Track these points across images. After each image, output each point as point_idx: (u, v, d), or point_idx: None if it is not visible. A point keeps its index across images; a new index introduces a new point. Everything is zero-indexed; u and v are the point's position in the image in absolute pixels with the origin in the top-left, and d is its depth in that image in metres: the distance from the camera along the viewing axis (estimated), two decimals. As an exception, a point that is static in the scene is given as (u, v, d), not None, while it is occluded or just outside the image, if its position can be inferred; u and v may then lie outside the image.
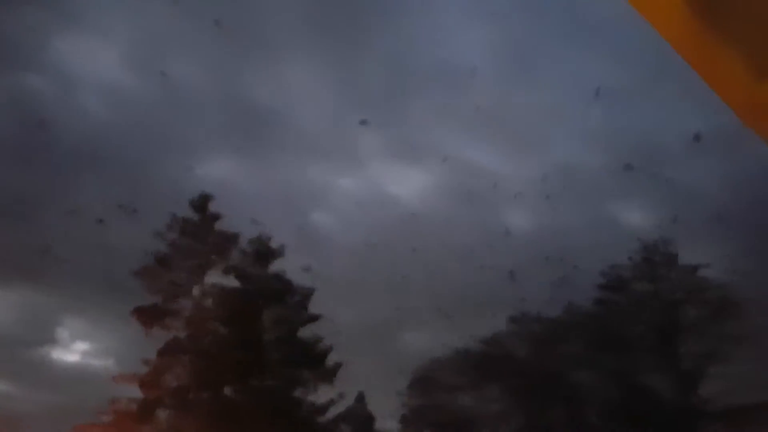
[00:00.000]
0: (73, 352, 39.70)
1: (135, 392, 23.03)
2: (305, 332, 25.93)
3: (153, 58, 37.90)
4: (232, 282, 25.33)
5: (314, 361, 24.95)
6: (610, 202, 36.56)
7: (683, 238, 28.80)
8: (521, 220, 37.74)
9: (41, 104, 32.55)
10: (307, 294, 26.66)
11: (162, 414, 22.79)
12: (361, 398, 25.34)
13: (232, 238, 25.57)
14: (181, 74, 33.56)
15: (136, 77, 32.75)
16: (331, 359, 25.04)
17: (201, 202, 25.06)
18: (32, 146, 28.97)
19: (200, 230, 24.88)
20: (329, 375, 24.78)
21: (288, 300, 26.60)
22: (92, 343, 38.96)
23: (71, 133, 31.52)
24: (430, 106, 40.91)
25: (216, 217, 25.15)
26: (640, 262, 29.50)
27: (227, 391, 24.01)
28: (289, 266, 26.90)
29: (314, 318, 26.18)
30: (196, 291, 24.13)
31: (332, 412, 24.42)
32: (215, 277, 24.98)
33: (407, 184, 48.86)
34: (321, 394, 24.43)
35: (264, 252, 26.52)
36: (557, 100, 40.49)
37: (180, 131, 32.90)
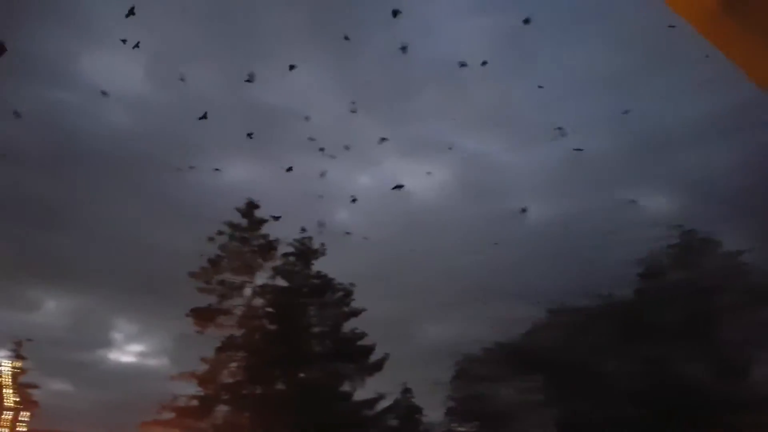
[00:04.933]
0: (128, 353, 41.63)
1: (189, 389, 24.17)
2: (348, 327, 26.83)
3: (173, 68, 39.10)
4: (278, 281, 26.34)
5: (359, 355, 25.75)
6: (626, 187, 36.10)
7: (709, 223, 28.48)
8: (539, 209, 37.57)
9: (71, 117, 34.00)
10: (348, 290, 27.53)
11: (219, 409, 23.81)
12: (406, 390, 26.03)
13: (276, 241, 26.56)
14: (199, 83, 34.69)
15: (157, 88, 33.93)
16: (375, 353, 25.84)
17: (248, 209, 26.28)
18: (65, 158, 30.41)
19: (248, 234, 25.94)
20: (374, 368, 25.55)
21: (329, 297, 27.51)
22: (146, 344, 40.69)
23: (100, 144, 32.83)
24: (434, 102, 41.09)
25: (262, 222, 26.22)
26: (676, 248, 29.34)
27: (278, 385, 24.96)
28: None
29: (356, 313, 27.03)
30: (246, 291, 25.11)
31: (380, 405, 25.19)
32: (262, 278, 26.02)
33: (420, 179, 48.85)
34: (368, 387, 25.20)
35: (306, 252, 27.46)
36: (563, 88, 40.02)
37: (201, 137, 33.87)
